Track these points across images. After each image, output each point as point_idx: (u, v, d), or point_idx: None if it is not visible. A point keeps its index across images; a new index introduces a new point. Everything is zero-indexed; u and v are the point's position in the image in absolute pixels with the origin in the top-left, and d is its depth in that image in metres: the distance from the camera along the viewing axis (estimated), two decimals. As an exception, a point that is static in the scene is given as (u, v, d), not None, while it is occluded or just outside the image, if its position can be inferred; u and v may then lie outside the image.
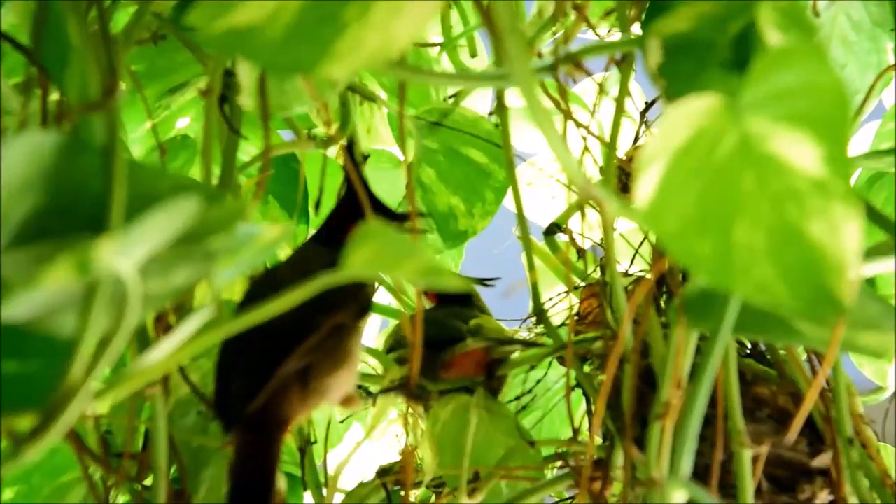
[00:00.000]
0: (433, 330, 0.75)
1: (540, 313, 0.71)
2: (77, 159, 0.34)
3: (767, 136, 0.35)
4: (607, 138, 0.62)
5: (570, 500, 0.72)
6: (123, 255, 0.31)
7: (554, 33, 0.70)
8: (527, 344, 0.74)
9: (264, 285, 0.54)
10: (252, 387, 0.48)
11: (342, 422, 0.89)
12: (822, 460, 0.57)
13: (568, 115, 0.59)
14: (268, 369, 0.48)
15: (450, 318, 0.78)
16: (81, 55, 0.41)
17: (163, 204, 0.32)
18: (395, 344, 0.78)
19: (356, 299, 0.53)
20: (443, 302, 0.82)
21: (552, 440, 0.77)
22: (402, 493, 0.73)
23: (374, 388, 0.74)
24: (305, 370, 0.50)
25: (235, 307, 0.55)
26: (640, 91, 0.88)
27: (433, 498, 0.74)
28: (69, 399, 0.33)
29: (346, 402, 0.53)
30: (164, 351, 0.36)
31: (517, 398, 0.79)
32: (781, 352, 0.62)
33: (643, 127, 0.79)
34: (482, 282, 0.84)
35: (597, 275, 0.73)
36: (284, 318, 0.48)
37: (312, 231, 0.85)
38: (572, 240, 0.70)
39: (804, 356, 0.61)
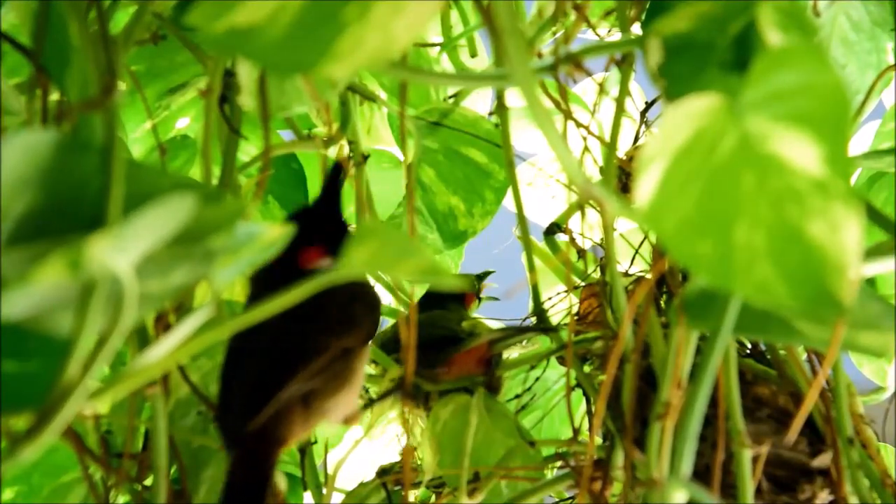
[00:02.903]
0: (428, 331, 0.75)
1: (540, 313, 0.71)
2: (76, 158, 0.34)
3: (767, 136, 0.35)
4: (607, 138, 0.62)
5: (570, 500, 0.72)
6: (118, 252, 0.31)
7: (554, 33, 0.70)
8: (533, 329, 0.73)
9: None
10: (253, 406, 0.48)
11: (343, 423, 0.89)
12: (823, 460, 0.57)
13: (568, 115, 0.59)
14: (270, 390, 0.48)
15: (441, 318, 0.78)
16: (82, 55, 0.41)
17: (159, 202, 0.32)
18: (382, 346, 0.78)
19: (365, 323, 0.52)
20: (428, 305, 0.82)
21: (552, 440, 0.77)
22: (404, 493, 0.73)
23: (373, 389, 0.74)
24: (309, 392, 0.50)
25: (245, 303, 0.55)
26: (640, 91, 0.88)
27: (433, 498, 0.74)
28: (65, 398, 0.33)
29: (348, 420, 0.53)
30: (163, 350, 0.36)
31: (517, 396, 0.79)
32: (781, 352, 0.61)
33: (643, 127, 0.79)
34: (481, 278, 0.85)
35: (597, 275, 0.73)
36: (292, 336, 0.48)
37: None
38: (572, 240, 0.70)
39: (804, 356, 0.61)
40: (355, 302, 0.52)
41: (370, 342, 0.54)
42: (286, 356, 0.49)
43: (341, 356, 0.50)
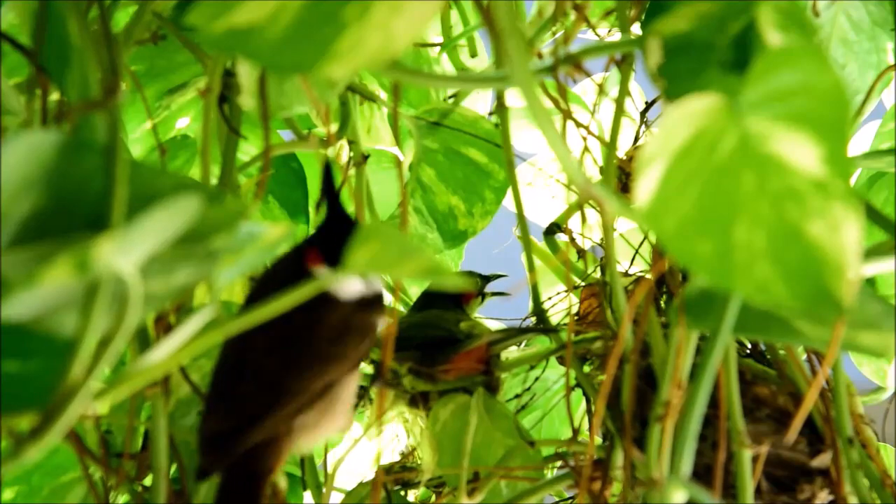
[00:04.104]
0: (426, 331, 0.75)
1: (540, 313, 0.71)
2: (78, 159, 0.34)
3: (767, 136, 0.35)
4: (607, 138, 0.62)
5: (570, 500, 0.72)
6: (123, 253, 0.31)
7: (554, 33, 0.70)
8: (533, 330, 0.73)
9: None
10: (229, 442, 0.47)
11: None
12: (822, 460, 0.57)
13: (568, 115, 0.59)
14: (246, 429, 0.47)
15: (439, 319, 0.78)
16: (82, 55, 0.41)
17: (163, 203, 0.32)
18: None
19: (354, 355, 0.51)
20: (426, 305, 0.82)
21: (552, 440, 0.77)
22: (403, 492, 0.74)
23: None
24: (293, 427, 0.49)
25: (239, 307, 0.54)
26: (640, 91, 0.88)
27: (433, 498, 0.74)
28: (69, 399, 0.33)
29: (340, 431, 0.53)
30: (164, 351, 0.36)
31: (517, 396, 0.80)
32: (781, 352, 0.62)
33: (643, 127, 0.79)
34: (488, 279, 0.85)
35: (597, 275, 0.73)
36: (276, 374, 0.47)
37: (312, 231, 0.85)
38: (572, 240, 0.70)
39: (804, 356, 0.61)
40: (346, 334, 0.50)
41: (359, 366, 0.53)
42: (268, 394, 0.48)
43: (324, 390, 0.49)
